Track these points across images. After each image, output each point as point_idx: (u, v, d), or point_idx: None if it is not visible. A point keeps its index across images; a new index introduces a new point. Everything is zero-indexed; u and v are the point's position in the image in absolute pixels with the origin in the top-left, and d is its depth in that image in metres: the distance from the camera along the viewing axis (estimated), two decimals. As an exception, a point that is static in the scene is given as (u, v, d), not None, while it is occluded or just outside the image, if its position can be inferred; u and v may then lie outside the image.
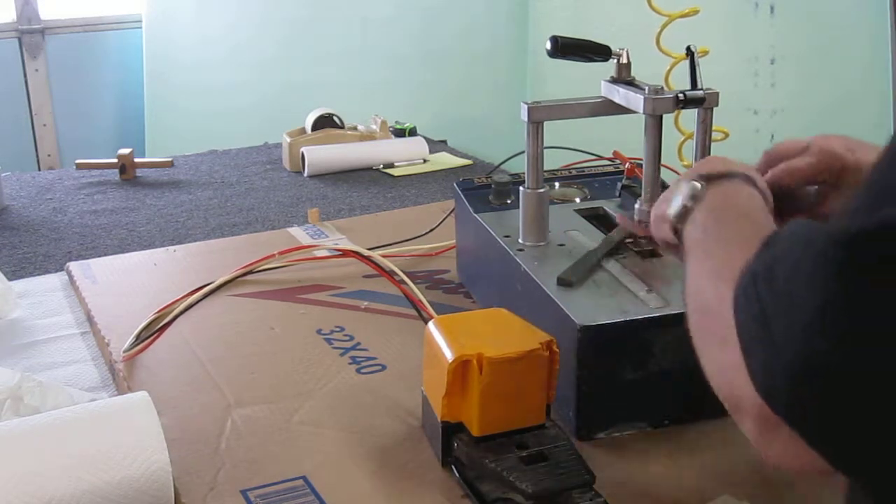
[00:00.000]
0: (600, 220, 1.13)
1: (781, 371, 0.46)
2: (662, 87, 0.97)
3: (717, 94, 1.00)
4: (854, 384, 0.44)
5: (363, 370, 1.03)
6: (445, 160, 2.06)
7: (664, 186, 1.07)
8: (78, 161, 1.99)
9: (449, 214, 1.37)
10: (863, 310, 0.43)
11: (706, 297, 0.58)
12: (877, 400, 0.44)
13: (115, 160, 1.94)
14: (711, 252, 0.61)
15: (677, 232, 0.70)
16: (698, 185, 0.68)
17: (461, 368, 0.80)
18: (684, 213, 0.68)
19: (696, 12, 1.07)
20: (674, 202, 0.70)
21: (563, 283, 0.93)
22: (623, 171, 1.22)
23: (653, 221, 0.80)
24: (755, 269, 0.51)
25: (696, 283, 0.60)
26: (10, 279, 1.26)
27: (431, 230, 1.42)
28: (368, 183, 1.89)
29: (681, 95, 0.97)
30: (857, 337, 0.43)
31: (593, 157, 1.35)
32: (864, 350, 0.43)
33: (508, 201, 1.17)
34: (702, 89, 0.99)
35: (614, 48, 1.03)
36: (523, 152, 1.04)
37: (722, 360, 0.55)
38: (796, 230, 0.50)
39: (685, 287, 0.62)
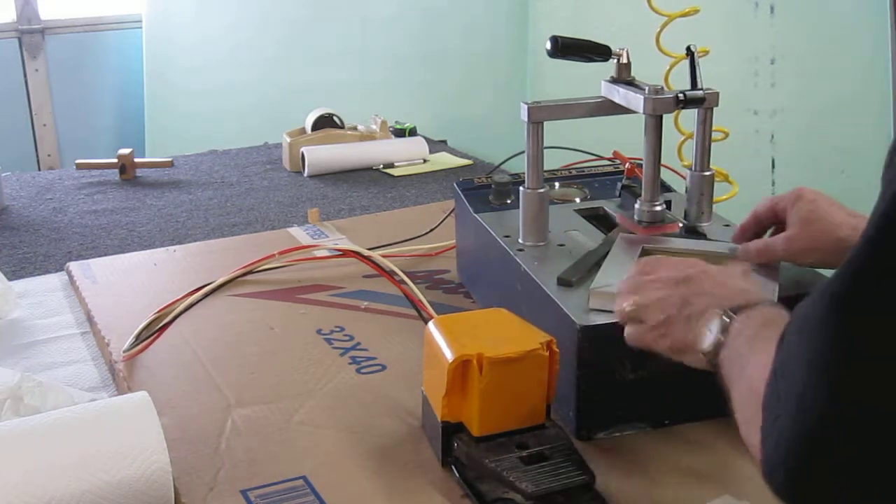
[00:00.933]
0: (600, 220, 1.13)
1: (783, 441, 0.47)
2: (662, 87, 0.97)
3: (717, 94, 1.00)
4: (849, 433, 0.44)
5: (363, 370, 1.03)
6: (445, 160, 2.06)
7: (664, 186, 1.07)
8: (78, 161, 1.99)
9: (449, 214, 1.37)
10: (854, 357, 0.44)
11: (746, 407, 0.59)
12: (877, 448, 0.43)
13: (115, 160, 1.94)
14: (746, 368, 0.62)
15: (711, 363, 0.70)
16: (727, 318, 0.69)
17: (461, 368, 0.80)
18: (718, 347, 0.69)
19: (695, 12, 1.07)
20: (707, 337, 0.70)
21: (563, 283, 0.93)
22: (623, 171, 1.22)
23: (618, 299, 0.81)
24: (774, 365, 0.51)
25: (740, 399, 0.61)
26: (10, 279, 1.26)
27: (431, 230, 1.42)
28: (368, 183, 1.89)
29: (681, 95, 0.97)
30: (852, 388, 0.44)
31: (593, 157, 1.35)
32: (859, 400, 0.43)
33: (508, 201, 1.17)
34: (702, 89, 0.99)
35: (614, 48, 1.03)
36: (523, 152, 1.04)
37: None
38: (798, 313, 0.51)
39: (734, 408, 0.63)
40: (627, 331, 0.80)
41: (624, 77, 1.02)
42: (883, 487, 0.43)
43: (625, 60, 1.02)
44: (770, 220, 0.92)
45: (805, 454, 0.45)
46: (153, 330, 1.12)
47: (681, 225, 1.03)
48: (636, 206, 1.01)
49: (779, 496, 0.47)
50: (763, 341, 0.61)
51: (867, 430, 0.43)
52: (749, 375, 0.59)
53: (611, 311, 0.87)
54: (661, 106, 0.96)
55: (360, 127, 2.11)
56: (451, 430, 0.82)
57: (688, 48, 1.01)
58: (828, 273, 0.83)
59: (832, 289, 0.46)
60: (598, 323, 0.86)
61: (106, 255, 1.45)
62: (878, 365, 0.43)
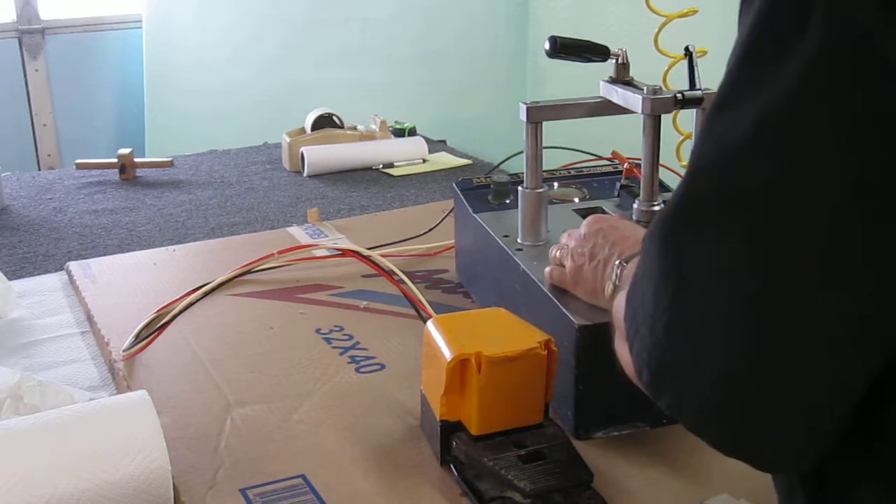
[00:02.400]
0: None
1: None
2: (661, 87, 0.97)
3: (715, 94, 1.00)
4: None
5: (362, 369, 1.03)
6: (445, 160, 2.06)
7: (663, 186, 1.08)
8: (78, 161, 1.99)
9: (448, 214, 1.37)
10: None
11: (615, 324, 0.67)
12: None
13: (115, 160, 1.94)
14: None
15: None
16: (620, 267, 0.78)
17: (460, 367, 0.80)
18: (614, 291, 0.78)
19: (694, 12, 1.08)
20: (608, 286, 0.80)
21: (562, 282, 0.94)
22: (622, 171, 1.22)
23: (551, 262, 0.94)
24: (633, 281, 0.58)
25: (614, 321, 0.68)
26: (10, 279, 1.26)
27: (430, 230, 1.42)
28: (368, 183, 1.89)
29: (679, 95, 0.97)
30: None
31: (592, 157, 1.35)
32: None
33: (507, 201, 1.17)
34: (700, 89, 0.99)
35: (613, 48, 1.03)
36: (522, 152, 1.04)
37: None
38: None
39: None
40: (549, 271, 0.93)
41: (622, 77, 1.02)
42: (702, 377, 0.51)
43: (623, 61, 1.02)
44: None
45: (654, 358, 0.54)
46: (153, 329, 1.13)
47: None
48: (635, 206, 1.01)
49: (646, 389, 0.57)
50: None
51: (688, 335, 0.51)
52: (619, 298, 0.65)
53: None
54: (659, 106, 0.96)
55: (359, 127, 2.11)
56: (450, 429, 0.83)
57: (686, 48, 1.01)
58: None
59: (663, 211, 0.53)
60: (597, 322, 0.86)
61: (106, 254, 1.45)
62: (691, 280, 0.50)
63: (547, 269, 0.93)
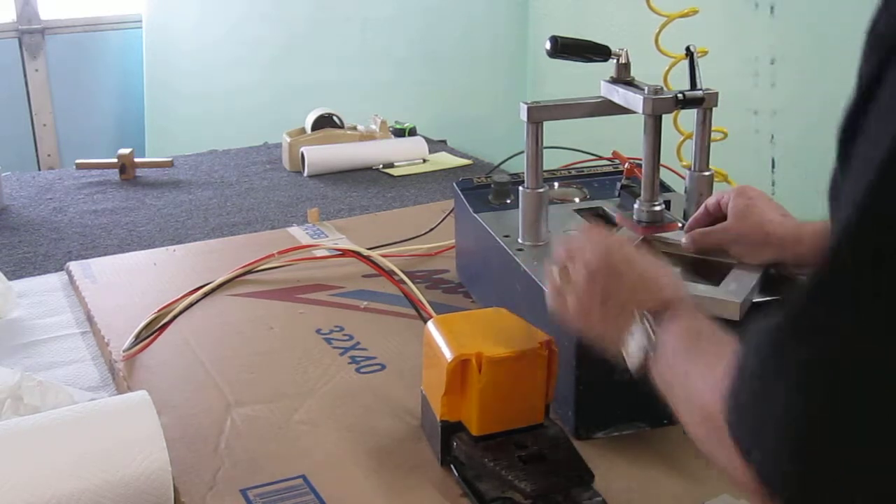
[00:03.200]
0: (600, 220, 1.14)
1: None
2: (662, 88, 0.97)
3: (716, 94, 1.00)
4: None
5: (363, 370, 1.03)
6: (445, 160, 2.06)
7: (663, 186, 1.08)
8: (78, 161, 1.99)
9: (448, 214, 1.37)
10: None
11: (701, 428, 0.61)
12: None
13: (115, 160, 1.94)
14: (690, 388, 0.64)
15: (634, 367, 0.72)
16: (649, 325, 0.71)
17: (460, 368, 0.80)
18: (644, 354, 0.71)
19: (695, 12, 1.07)
20: (630, 342, 0.72)
21: (563, 282, 0.93)
22: (622, 171, 1.22)
23: (550, 291, 0.82)
24: (735, 385, 0.53)
25: (693, 421, 0.63)
26: (10, 279, 1.26)
27: (431, 230, 1.42)
28: (368, 183, 1.89)
29: (680, 95, 0.97)
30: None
31: (593, 157, 1.35)
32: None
33: (508, 201, 1.17)
34: (701, 89, 0.99)
35: (614, 48, 1.03)
36: (523, 152, 1.04)
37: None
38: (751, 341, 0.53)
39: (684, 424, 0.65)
40: (550, 300, 0.82)
41: (623, 77, 1.02)
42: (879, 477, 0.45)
43: (624, 60, 1.02)
44: (717, 213, 0.97)
45: (804, 457, 0.47)
46: (153, 329, 1.13)
47: (680, 225, 1.03)
48: (635, 206, 1.01)
49: (787, 500, 0.49)
50: (700, 356, 0.63)
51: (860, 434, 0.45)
52: (698, 396, 0.60)
53: None
54: (660, 106, 0.96)
55: (359, 127, 2.11)
56: (451, 430, 0.82)
57: (687, 48, 1.01)
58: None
59: (790, 309, 0.48)
60: (598, 322, 0.86)
61: (106, 254, 1.45)
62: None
63: (550, 301, 0.82)
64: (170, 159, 2.02)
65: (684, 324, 0.68)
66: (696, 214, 0.99)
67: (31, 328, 1.19)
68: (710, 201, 0.97)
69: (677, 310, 0.70)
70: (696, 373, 0.62)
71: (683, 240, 0.97)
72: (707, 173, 1.05)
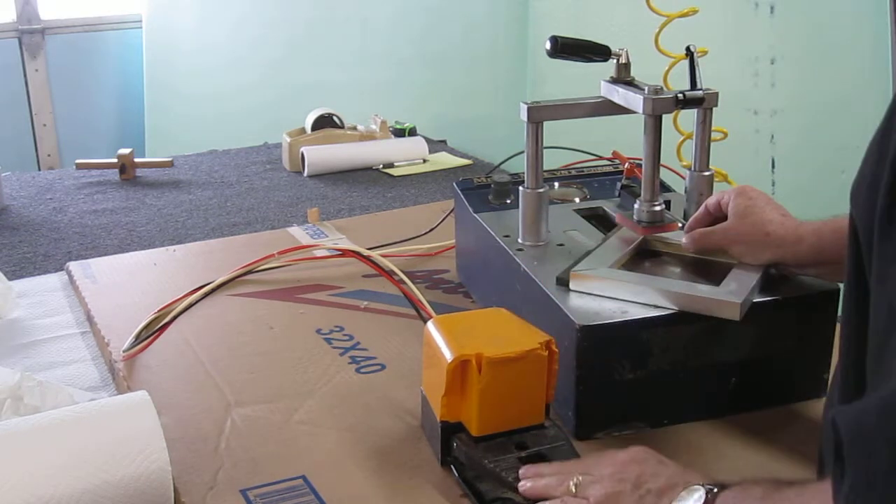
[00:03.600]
0: (600, 220, 1.14)
1: None
2: (662, 87, 0.97)
3: (716, 94, 1.00)
4: None
5: (363, 370, 1.03)
6: (445, 160, 2.06)
7: (664, 186, 1.08)
8: (78, 161, 1.99)
9: (448, 214, 1.37)
10: None
11: None
12: None
13: (115, 160, 1.94)
14: None
15: None
16: (706, 491, 0.66)
17: (460, 368, 0.80)
18: None
19: (694, 12, 1.07)
20: None
21: (563, 282, 0.94)
22: (622, 171, 1.22)
23: None
24: None
25: None
26: (10, 279, 1.26)
27: (431, 230, 1.42)
28: (368, 183, 1.89)
29: (680, 95, 0.97)
30: None
31: (593, 157, 1.35)
32: None
33: (508, 201, 1.17)
34: (701, 89, 0.99)
35: (614, 48, 1.03)
36: (523, 152, 1.04)
37: None
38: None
39: None
40: None
41: (623, 77, 1.02)
42: None
43: (624, 60, 1.02)
44: (718, 213, 0.96)
45: None
46: (153, 330, 1.13)
47: (680, 225, 1.03)
48: (635, 205, 1.01)
49: None
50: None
51: None
52: None
53: (610, 312, 0.88)
54: (660, 106, 0.96)
55: (359, 127, 2.11)
56: (451, 430, 0.82)
57: (687, 48, 1.01)
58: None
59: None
60: (598, 323, 0.86)
61: (106, 255, 1.45)
62: None
63: None
64: (170, 159, 2.02)
65: (748, 489, 0.64)
66: (696, 214, 0.99)
67: (31, 328, 1.19)
68: (711, 201, 0.97)
69: (736, 485, 0.66)
70: None
71: (684, 240, 0.97)
72: (707, 173, 1.05)
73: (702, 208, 0.98)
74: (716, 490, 0.66)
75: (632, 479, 0.72)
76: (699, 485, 0.67)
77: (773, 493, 0.62)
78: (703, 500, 0.65)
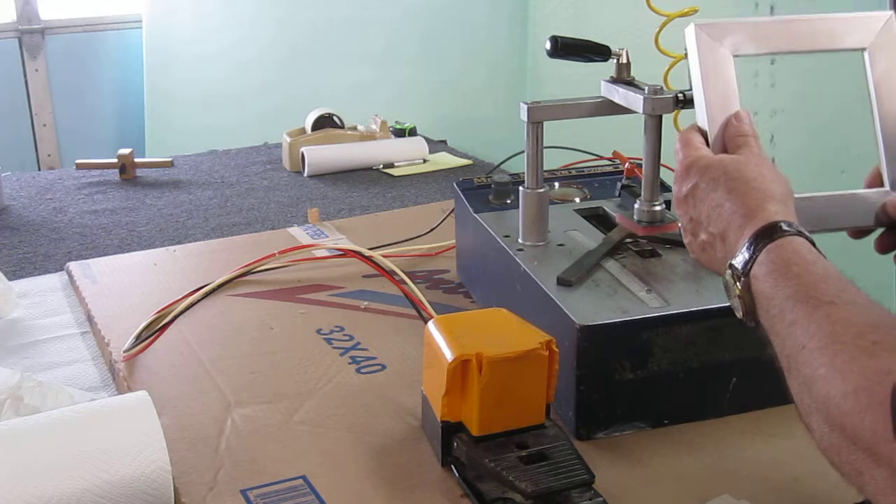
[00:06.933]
0: (600, 220, 1.14)
1: None
2: (662, 87, 0.97)
3: (716, 94, 1.00)
4: None
5: (363, 370, 1.03)
6: (445, 160, 2.06)
7: (664, 186, 1.07)
8: (78, 161, 1.99)
9: (449, 214, 1.37)
10: None
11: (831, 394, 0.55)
12: None
13: (115, 160, 1.94)
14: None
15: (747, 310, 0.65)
16: (734, 283, 0.64)
17: (461, 368, 0.80)
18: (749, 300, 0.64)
19: (694, 12, 1.07)
20: (730, 287, 0.65)
21: (563, 283, 0.94)
22: (623, 171, 1.22)
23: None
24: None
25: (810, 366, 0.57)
26: (10, 279, 1.26)
27: (431, 230, 1.42)
28: (368, 183, 1.89)
29: (680, 95, 0.97)
30: None
31: (593, 157, 1.35)
32: None
33: (508, 201, 1.17)
34: (701, 89, 0.99)
35: (614, 48, 1.03)
36: (523, 152, 1.04)
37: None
38: None
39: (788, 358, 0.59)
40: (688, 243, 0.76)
41: (623, 77, 1.02)
42: None
43: (624, 60, 1.02)
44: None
45: None
46: (153, 330, 1.13)
47: (680, 225, 1.02)
48: (636, 205, 1.01)
49: None
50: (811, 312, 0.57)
51: None
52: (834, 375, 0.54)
53: (610, 311, 0.88)
54: (660, 106, 0.95)
55: (360, 127, 2.11)
56: (451, 430, 0.82)
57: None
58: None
59: None
60: (598, 323, 0.86)
61: (106, 255, 1.45)
62: None
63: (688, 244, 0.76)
64: (170, 159, 2.02)
65: (793, 272, 0.60)
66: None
67: (31, 328, 1.19)
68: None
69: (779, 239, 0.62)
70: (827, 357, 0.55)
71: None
72: (707, 173, 1.05)
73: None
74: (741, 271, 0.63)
75: (704, 222, 0.71)
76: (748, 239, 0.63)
77: (809, 302, 0.59)
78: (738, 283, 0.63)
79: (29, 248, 1.53)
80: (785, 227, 0.65)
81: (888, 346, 0.53)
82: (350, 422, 0.92)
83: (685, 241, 0.77)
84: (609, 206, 1.16)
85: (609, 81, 1.03)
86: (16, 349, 1.13)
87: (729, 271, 0.67)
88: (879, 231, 0.80)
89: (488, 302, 1.12)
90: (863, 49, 0.82)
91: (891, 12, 0.82)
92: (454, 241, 1.29)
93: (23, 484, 0.72)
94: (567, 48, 1.01)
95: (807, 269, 0.62)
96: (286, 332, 1.13)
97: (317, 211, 1.56)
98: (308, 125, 2.07)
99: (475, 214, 1.15)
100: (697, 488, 0.81)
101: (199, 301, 1.21)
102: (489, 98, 2.89)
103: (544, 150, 1.04)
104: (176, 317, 1.17)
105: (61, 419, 0.78)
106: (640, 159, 1.00)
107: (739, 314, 0.66)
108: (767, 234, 0.65)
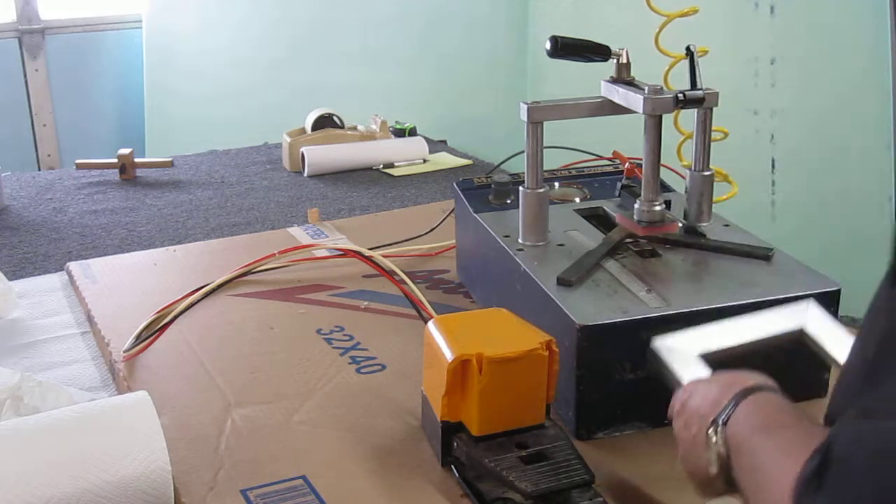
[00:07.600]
0: (600, 220, 1.14)
1: None
2: (662, 87, 0.97)
3: (716, 94, 1.00)
4: None
5: (363, 370, 1.03)
6: (445, 160, 2.06)
7: (664, 186, 1.08)
8: (78, 161, 1.99)
9: (449, 214, 1.37)
10: None
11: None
12: None
13: (115, 160, 1.94)
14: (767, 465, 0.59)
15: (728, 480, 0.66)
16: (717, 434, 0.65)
17: (461, 368, 0.80)
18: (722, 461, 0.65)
19: (694, 12, 1.07)
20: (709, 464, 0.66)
21: (563, 282, 0.94)
22: (623, 170, 1.22)
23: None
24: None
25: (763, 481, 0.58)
26: (10, 279, 1.26)
27: (431, 230, 1.42)
28: (368, 183, 1.89)
29: (680, 95, 0.97)
30: None
31: (593, 157, 1.35)
32: None
33: (508, 201, 1.17)
34: (701, 89, 0.99)
35: (614, 48, 1.03)
36: (523, 152, 1.04)
37: None
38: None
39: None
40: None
41: (623, 77, 1.02)
42: None
43: (624, 60, 1.02)
44: None
45: None
46: (153, 330, 1.13)
47: (680, 225, 1.03)
48: (636, 205, 1.01)
49: None
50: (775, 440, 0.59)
51: None
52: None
53: (610, 311, 0.87)
54: (660, 106, 0.96)
55: (360, 127, 2.11)
56: (451, 430, 0.82)
57: (687, 48, 1.01)
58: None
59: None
60: (598, 323, 0.86)
61: (106, 255, 1.45)
62: None
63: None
64: (170, 159, 2.02)
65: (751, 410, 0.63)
66: None
67: (31, 328, 1.19)
68: None
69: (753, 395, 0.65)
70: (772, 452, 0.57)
71: None
72: (707, 173, 1.06)
73: None
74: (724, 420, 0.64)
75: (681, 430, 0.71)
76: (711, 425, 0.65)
77: (768, 430, 0.61)
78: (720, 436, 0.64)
79: (29, 248, 1.53)
80: None
81: None
82: (350, 422, 0.92)
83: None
84: (609, 206, 1.16)
85: (609, 81, 1.03)
86: (16, 349, 1.13)
87: None
88: None
89: (488, 302, 1.12)
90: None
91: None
92: (454, 241, 1.29)
93: (23, 484, 0.72)
94: (567, 48, 1.01)
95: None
96: (286, 332, 1.13)
97: (317, 211, 1.56)
98: (308, 125, 2.07)
99: (475, 214, 1.15)
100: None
101: (199, 301, 1.21)
102: (489, 98, 2.89)
103: (544, 150, 1.04)
104: (176, 317, 1.17)
105: (61, 419, 0.78)
106: (640, 159, 1.00)
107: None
108: None
